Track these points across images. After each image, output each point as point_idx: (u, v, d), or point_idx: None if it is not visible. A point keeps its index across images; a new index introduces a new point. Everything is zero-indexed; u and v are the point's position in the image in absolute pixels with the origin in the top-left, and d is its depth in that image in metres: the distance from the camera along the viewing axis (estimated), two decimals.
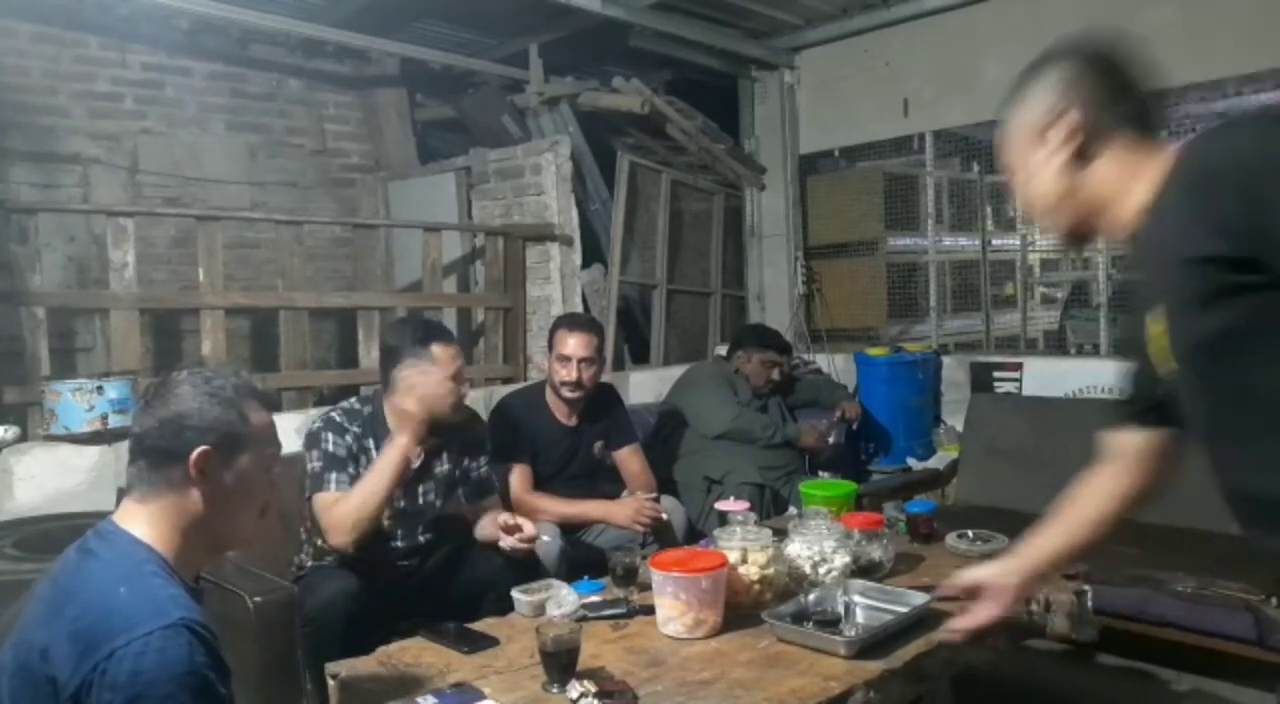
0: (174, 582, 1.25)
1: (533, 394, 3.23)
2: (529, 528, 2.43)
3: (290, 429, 2.53)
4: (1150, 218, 1.18)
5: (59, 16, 4.46)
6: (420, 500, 2.57)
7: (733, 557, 2.03)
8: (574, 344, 3.05)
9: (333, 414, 2.52)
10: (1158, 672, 2.89)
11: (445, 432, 2.57)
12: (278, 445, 1.41)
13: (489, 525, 2.51)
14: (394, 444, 2.39)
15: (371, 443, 2.50)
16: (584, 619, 1.99)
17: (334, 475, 2.40)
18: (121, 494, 1.35)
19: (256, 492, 1.37)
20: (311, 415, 2.68)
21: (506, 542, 2.40)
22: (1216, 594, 2.62)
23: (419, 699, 1.63)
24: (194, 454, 1.28)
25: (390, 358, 2.51)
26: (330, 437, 2.45)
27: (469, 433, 2.68)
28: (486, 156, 4.99)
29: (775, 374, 3.86)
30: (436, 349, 2.46)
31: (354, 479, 2.40)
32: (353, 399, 2.61)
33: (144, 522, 1.29)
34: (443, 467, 2.62)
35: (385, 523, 2.45)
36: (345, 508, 2.35)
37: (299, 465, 2.47)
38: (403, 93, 5.55)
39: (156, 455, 1.29)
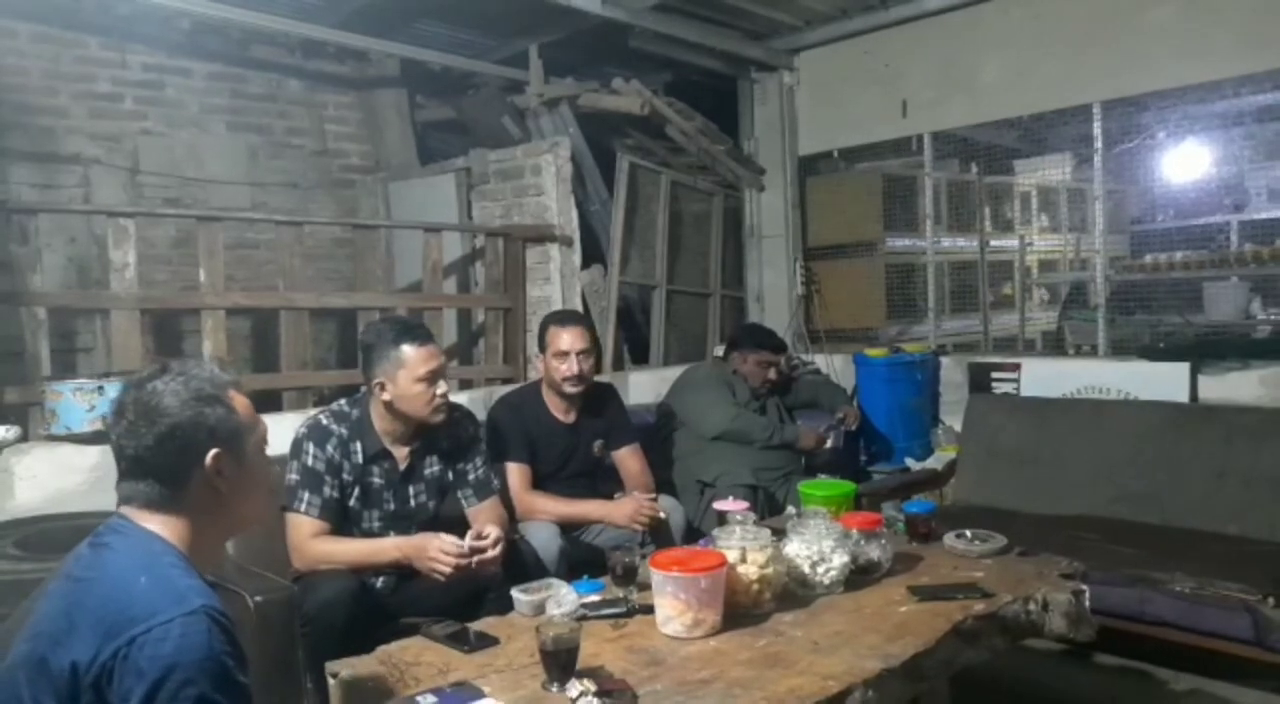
0: (191, 572, 1.27)
1: (530, 392, 3.24)
2: (491, 534, 2.38)
3: (290, 429, 2.53)
4: None
5: (59, 17, 4.46)
6: (411, 503, 2.58)
7: (732, 556, 2.03)
8: (569, 339, 3.06)
9: (320, 417, 2.52)
10: (1155, 672, 2.89)
11: (433, 432, 2.57)
12: (263, 421, 1.43)
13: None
14: (397, 546, 2.39)
15: (358, 445, 2.50)
16: (583, 618, 2.00)
17: (306, 494, 2.40)
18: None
19: (262, 471, 1.42)
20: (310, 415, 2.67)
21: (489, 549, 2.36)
22: (1214, 594, 2.62)
23: (419, 698, 1.63)
24: (208, 461, 1.30)
25: (366, 360, 2.51)
26: (311, 448, 2.44)
27: (460, 433, 2.67)
28: (486, 157, 5.00)
29: (771, 373, 3.86)
30: (407, 349, 2.45)
31: (325, 501, 2.41)
32: (342, 401, 2.60)
33: (158, 522, 1.30)
34: (433, 468, 2.62)
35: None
36: (317, 549, 2.37)
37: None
38: (403, 94, 5.56)
39: (165, 472, 1.30)
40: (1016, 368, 4.30)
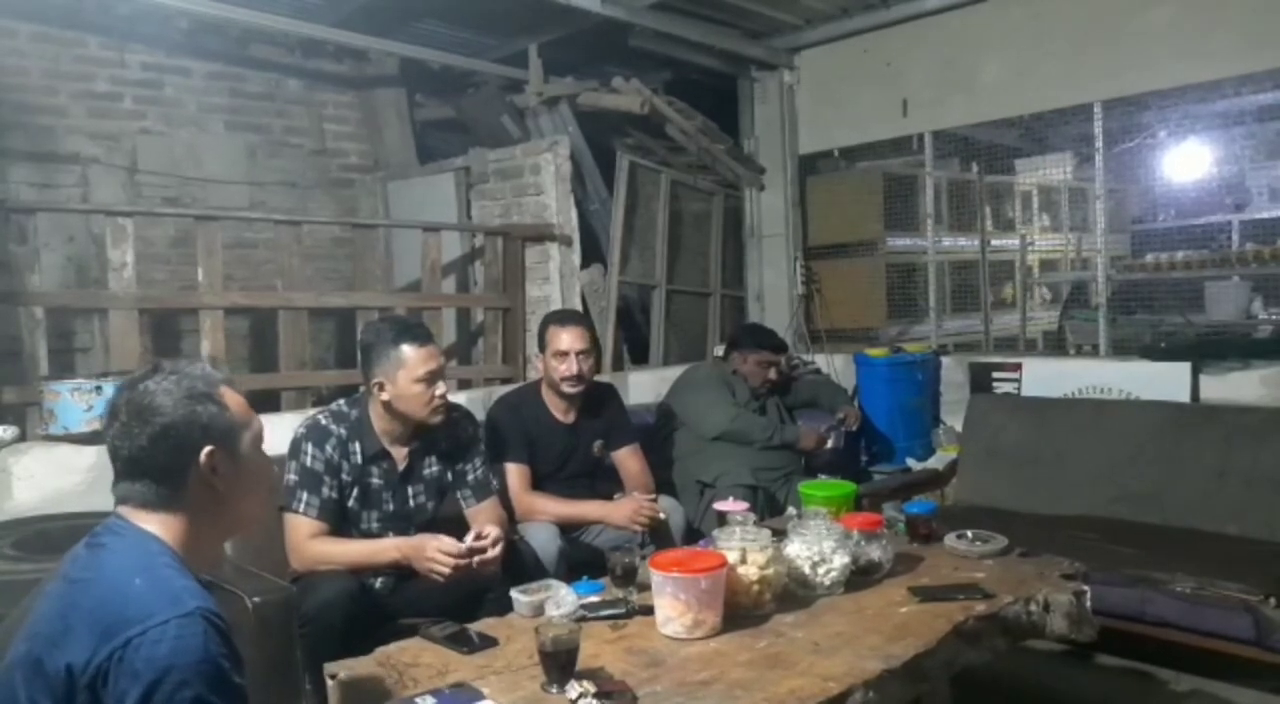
0: (186, 574, 1.26)
1: (529, 392, 3.23)
2: (491, 535, 2.36)
3: (289, 429, 2.53)
4: None
5: (58, 16, 4.46)
6: (410, 503, 2.57)
7: (732, 557, 2.02)
8: (568, 338, 3.06)
9: (319, 417, 2.51)
10: (1157, 672, 2.89)
11: (432, 433, 2.56)
12: (258, 418, 1.43)
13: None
14: (397, 547, 2.38)
15: (356, 446, 2.49)
16: (583, 619, 1.99)
17: (305, 495, 2.39)
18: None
19: (262, 469, 1.41)
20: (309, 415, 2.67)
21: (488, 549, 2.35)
22: (1215, 594, 2.61)
23: (418, 699, 1.63)
24: (202, 459, 1.30)
25: (365, 359, 2.50)
26: (309, 449, 2.43)
27: (459, 433, 2.66)
28: (486, 156, 4.99)
29: (772, 373, 3.85)
30: (406, 350, 2.44)
31: (324, 501, 2.40)
32: (341, 401, 2.59)
33: (155, 522, 1.30)
34: (432, 468, 2.61)
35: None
36: (315, 549, 2.37)
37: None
38: (402, 93, 5.55)
39: (159, 472, 1.30)
40: (1018, 368, 4.29)
